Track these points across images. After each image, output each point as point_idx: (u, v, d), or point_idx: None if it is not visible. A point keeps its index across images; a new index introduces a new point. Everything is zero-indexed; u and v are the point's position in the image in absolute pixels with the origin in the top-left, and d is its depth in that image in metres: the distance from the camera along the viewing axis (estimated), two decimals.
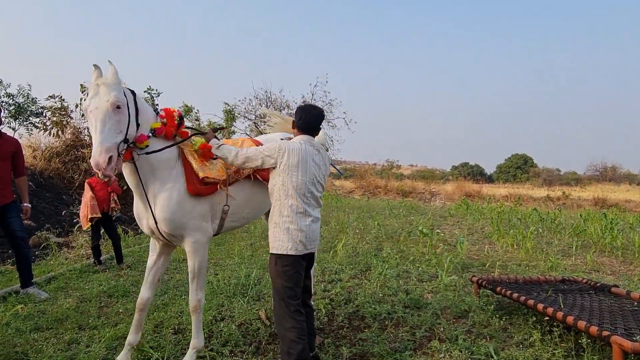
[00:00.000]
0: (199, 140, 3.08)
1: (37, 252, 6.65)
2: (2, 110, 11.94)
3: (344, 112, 24.65)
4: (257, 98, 23.51)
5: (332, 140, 23.64)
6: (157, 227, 2.94)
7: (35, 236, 7.21)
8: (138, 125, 2.77)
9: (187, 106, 21.21)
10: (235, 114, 23.05)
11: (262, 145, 3.18)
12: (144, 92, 13.33)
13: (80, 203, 8.02)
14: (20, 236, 4.74)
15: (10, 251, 6.09)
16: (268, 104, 23.40)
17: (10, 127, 14.53)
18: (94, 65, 2.69)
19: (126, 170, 2.87)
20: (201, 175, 2.95)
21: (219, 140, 3.01)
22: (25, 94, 13.13)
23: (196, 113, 21.86)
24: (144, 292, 3.15)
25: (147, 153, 2.83)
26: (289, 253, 2.74)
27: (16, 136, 12.30)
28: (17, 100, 13.19)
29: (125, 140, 2.64)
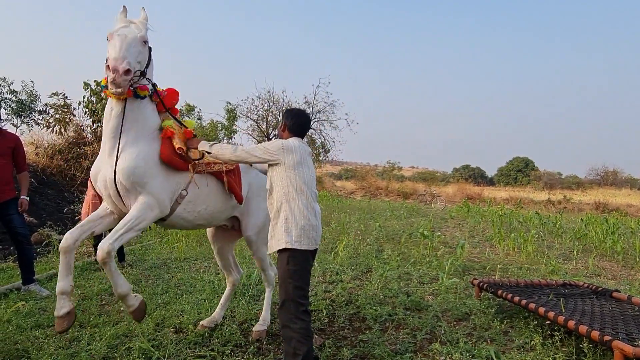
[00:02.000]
0: (190, 122, 3.18)
1: (38, 250, 6.66)
2: (2, 108, 12.00)
3: (346, 114, 24.67)
4: (259, 98, 23.56)
5: (333, 141, 23.68)
6: (114, 178, 2.74)
7: (37, 233, 7.22)
8: (145, 74, 2.85)
9: (189, 105, 21.26)
10: (238, 114, 23.07)
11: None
12: None
13: (82, 201, 8.04)
14: (21, 233, 4.74)
15: (12, 248, 6.10)
16: (270, 104, 23.44)
17: (12, 124, 14.58)
18: (123, 6, 2.85)
19: (115, 109, 2.78)
20: (177, 146, 2.90)
21: (208, 141, 3.06)
22: (29, 91, 13.16)
23: (198, 112, 21.92)
24: (70, 235, 2.76)
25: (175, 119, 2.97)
26: (302, 248, 2.75)
27: (18, 133, 12.35)
28: (21, 97, 13.22)
29: (142, 74, 2.74)
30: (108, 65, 2.55)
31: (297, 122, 3.04)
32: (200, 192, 3.13)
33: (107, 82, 2.62)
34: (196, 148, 3.03)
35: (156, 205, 2.81)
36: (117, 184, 2.76)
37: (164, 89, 3.11)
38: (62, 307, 2.74)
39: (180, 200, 3.01)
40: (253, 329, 3.64)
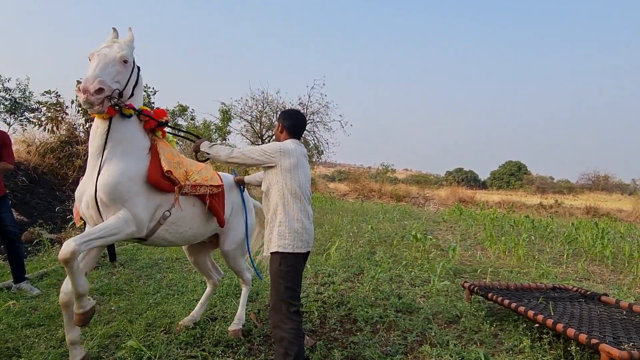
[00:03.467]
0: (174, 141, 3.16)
1: (29, 248, 6.61)
2: None
3: (340, 115, 24.65)
4: (253, 99, 23.48)
5: (327, 143, 23.66)
6: (95, 196, 2.69)
7: (27, 232, 7.17)
8: (132, 94, 2.84)
9: (182, 106, 21.18)
10: (232, 115, 23.01)
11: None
12: None
13: (73, 200, 8.00)
14: (12, 231, 4.72)
15: (1, 246, 6.05)
16: (264, 105, 23.39)
17: (5, 123, 14.45)
18: (113, 28, 2.89)
19: (100, 128, 2.76)
20: (166, 168, 2.87)
21: (210, 142, 3.07)
22: (23, 89, 13.08)
23: (192, 112, 21.85)
24: (66, 286, 2.76)
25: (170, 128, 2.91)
26: (295, 251, 2.78)
27: (10, 131, 12.24)
28: (14, 95, 13.13)
29: (120, 95, 2.70)
30: (78, 87, 2.52)
31: (293, 123, 3.06)
32: (184, 214, 3.10)
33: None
34: (199, 150, 3.06)
35: (133, 223, 2.73)
36: (98, 199, 2.70)
37: (152, 110, 3.07)
38: (76, 355, 2.87)
39: (162, 221, 2.97)
40: (229, 329, 3.65)
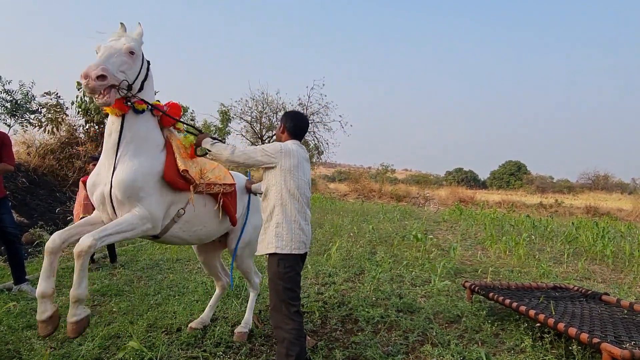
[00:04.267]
0: (191, 137, 3.10)
1: (29, 250, 6.62)
2: None
3: (340, 116, 24.64)
4: (253, 99, 23.50)
5: (327, 143, 23.67)
6: (110, 191, 2.68)
7: (28, 233, 7.18)
8: (142, 88, 2.80)
9: (181, 106, 21.17)
10: (231, 115, 23.01)
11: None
12: None
13: (74, 201, 8.00)
14: (12, 233, 4.71)
15: (2, 248, 6.05)
16: (264, 106, 23.40)
17: (6, 124, 14.44)
18: (121, 23, 2.82)
19: (114, 124, 2.76)
20: (182, 167, 2.87)
21: (212, 139, 3.06)
22: (25, 92, 13.08)
23: (191, 113, 21.84)
24: (58, 236, 2.63)
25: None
26: (292, 252, 2.77)
27: (10, 132, 12.23)
28: (15, 97, 13.13)
29: (129, 88, 2.65)
30: (81, 74, 2.45)
31: (295, 125, 3.06)
32: (198, 212, 3.11)
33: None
34: (200, 145, 3.04)
35: (149, 220, 2.73)
36: (112, 197, 2.69)
37: (165, 103, 3.07)
38: (45, 310, 2.56)
39: (177, 219, 2.99)
40: (235, 331, 3.63)
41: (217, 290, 4.07)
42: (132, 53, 2.68)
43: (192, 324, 3.73)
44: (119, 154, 2.74)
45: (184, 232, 3.08)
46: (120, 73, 2.61)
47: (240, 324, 3.75)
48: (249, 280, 3.95)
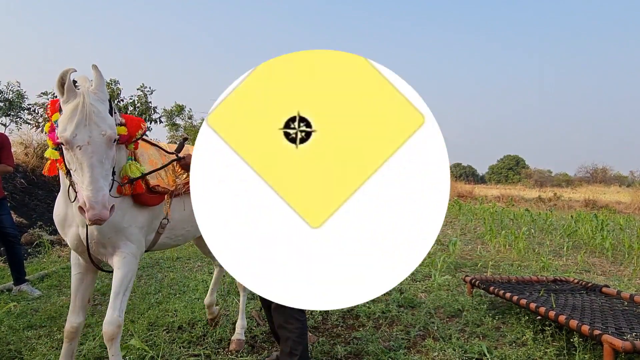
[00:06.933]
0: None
1: (29, 250, 6.61)
2: None
3: None
4: None
5: None
6: (86, 233, 2.38)
7: (27, 234, 7.16)
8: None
9: (178, 105, 21.11)
10: None
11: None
12: (137, 89, 13.22)
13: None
14: (11, 233, 4.71)
15: (1, 249, 6.04)
16: None
17: (1, 123, 14.41)
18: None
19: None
20: (152, 183, 2.59)
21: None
22: (15, 91, 13.07)
23: (189, 112, 21.79)
24: (74, 318, 2.58)
25: (143, 176, 2.51)
26: None
27: (7, 132, 12.22)
28: (7, 97, 13.13)
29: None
30: (81, 206, 2.04)
31: None
32: (180, 216, 2.98)
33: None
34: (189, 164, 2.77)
35: (138, 252, 2.61)
36: (89, 239, 2.41)
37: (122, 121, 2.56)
38: None
39: (161, 230, 2.85)
40: (232, 338, 3.43)
41: (216, 270, 3.87)
42: (115, 141, 2.22)
43: (209, 315, 3.72)
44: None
45: (169, 238, 3.00)
46: (110, 173, 2.22)
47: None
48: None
